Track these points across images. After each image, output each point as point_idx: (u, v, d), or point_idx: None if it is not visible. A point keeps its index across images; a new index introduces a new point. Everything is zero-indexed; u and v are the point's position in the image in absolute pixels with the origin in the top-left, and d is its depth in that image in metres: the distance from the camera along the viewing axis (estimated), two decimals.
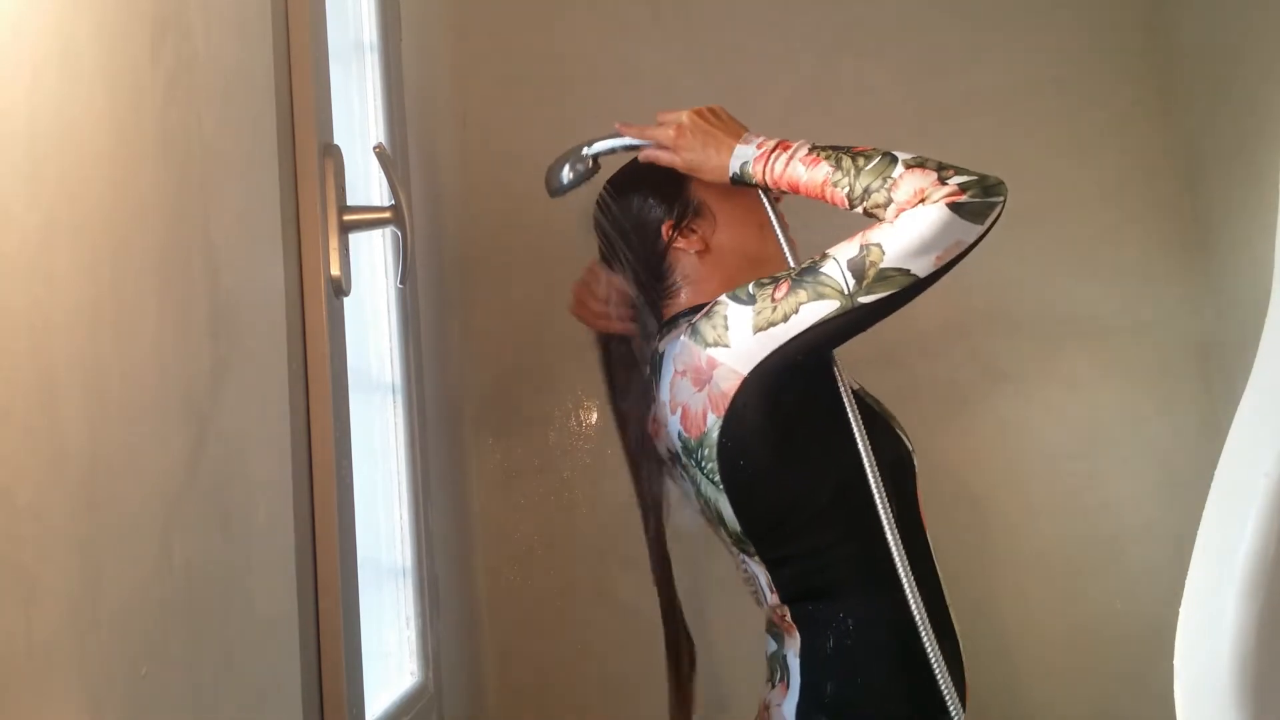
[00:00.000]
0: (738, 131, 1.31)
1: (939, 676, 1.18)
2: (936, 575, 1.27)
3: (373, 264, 1.44)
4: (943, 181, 1.17)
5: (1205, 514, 0.85)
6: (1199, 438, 1.82)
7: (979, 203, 1.16)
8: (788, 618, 1.29)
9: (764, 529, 1.29)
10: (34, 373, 0.62)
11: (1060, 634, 1.84)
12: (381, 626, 1.36)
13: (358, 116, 1.42)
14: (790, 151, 1.25)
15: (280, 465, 0.98)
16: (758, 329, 1.20)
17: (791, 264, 1.29)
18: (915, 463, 1.33)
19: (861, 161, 1.21)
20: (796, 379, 1.23)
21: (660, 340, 1.35)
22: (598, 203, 1.42)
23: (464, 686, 1.75)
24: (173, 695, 0.75)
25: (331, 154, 1.11)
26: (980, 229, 1.17)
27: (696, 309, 1.31)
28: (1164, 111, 1.90)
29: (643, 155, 1.37)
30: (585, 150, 1.41)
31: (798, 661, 1.27)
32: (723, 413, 1.24)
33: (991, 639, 1.84)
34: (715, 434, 1.25)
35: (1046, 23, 1.95)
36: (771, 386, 1.22)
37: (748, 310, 1.22)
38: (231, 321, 0.90)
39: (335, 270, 1.10)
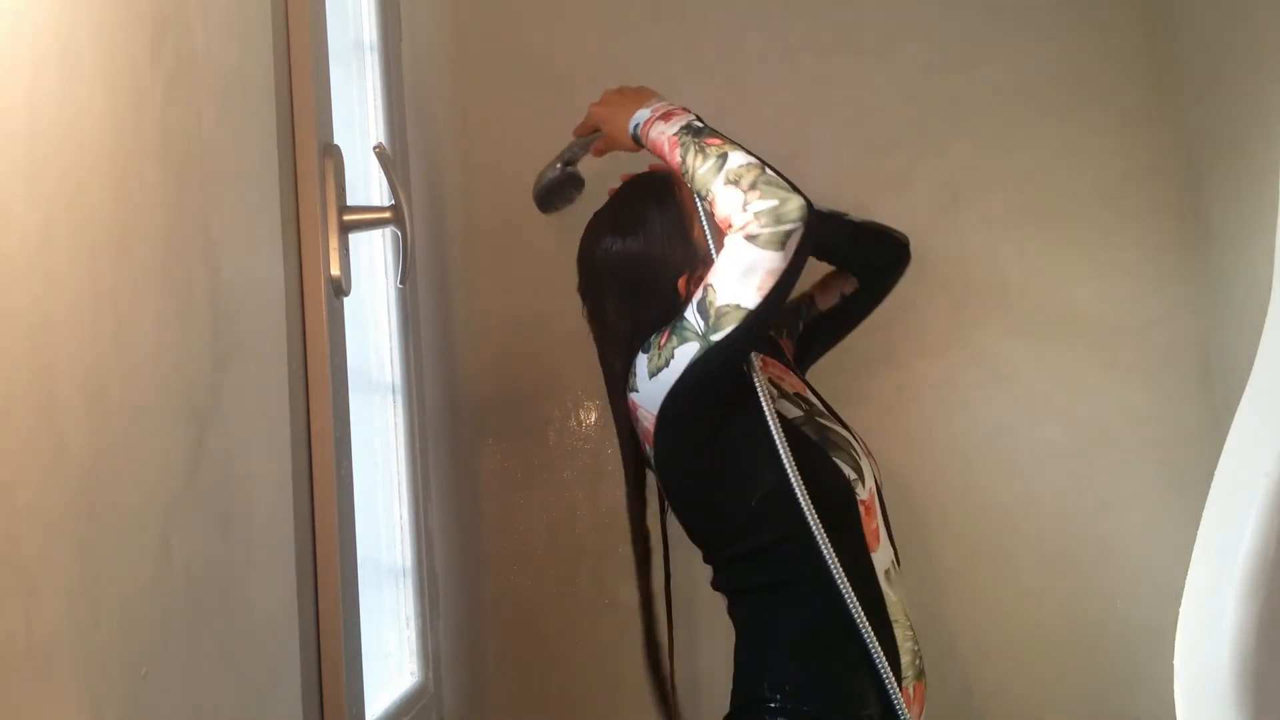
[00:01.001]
0: (645, 98, 1.39)
1: (881, 673, 1.23)
2: (880, 594, 1.29)
3: (373, 264, 1.44)
4: (744, 208, 1.21)
5: (1205, 514, 0.85)
6: (1199, 438, 1.82)
7: (769, 233, 1.19)
8: (727, 610, 1.37)
9: (699, 539, 1.39)
10: (34, 373, 0.62)
11: (1060, 634, 1.84)
12: (381, 626, 1.36)
13: (358, 116, 1.42)
14: (667, 124, 1.33)
15: (280, 465, 0.98)
16: (652, 374, 1.28)
17: (714, 255, 1.32)
18: (859, 490, 1.31)
19: (699, 161, 1.27)
20: (708, 416, 1.29)
21: None
22: (599, 253, 1.41)
23: (464, 686, 1.75)
24: (173, 695, 0.75)
25: (331, 154, 1.11)
26: (782, 255, 1.19)
27: None
28: (1164, 111, 1.90)
29: (594, 148, 1.49)
30: (558, 166, 1.52)
31: (736, 656, 1.34)
32: (652, 445, 1.33)
33: (991, 638, 1.84)
34: (654, 462, 1.36)
35: (1046, 23, 1.95)
36: (674, 423, 1.29)
37: (644, 358, 1.29)
38: (232, 321, 0.90)
39: (335, 270, 1.10)
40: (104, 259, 0.71)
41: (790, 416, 1.32)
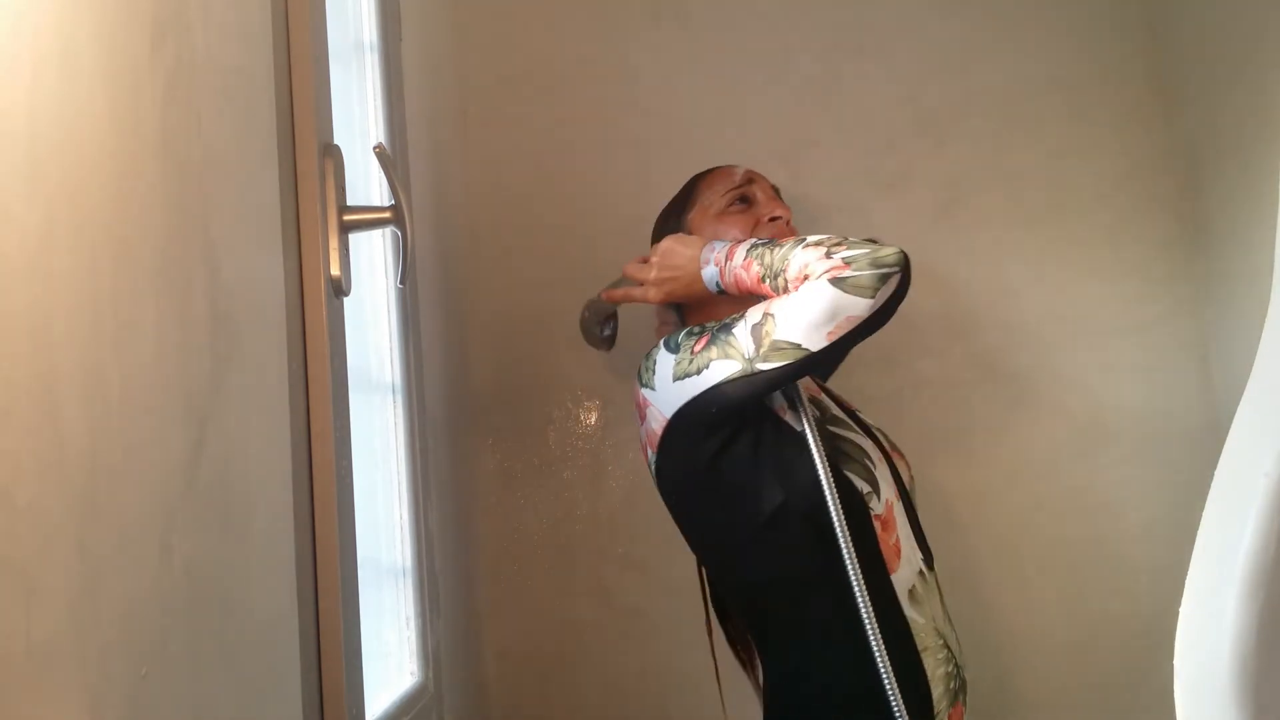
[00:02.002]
0: (694, 258, 1.35)
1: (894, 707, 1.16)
2: (903, 617, 1.21)
3: (373, 264, 1.44)
4: (829, 256, 1.17)
5: (1205, 514, 0.85)
6: (1199, 437, 1.82)
7: (864, 275, 1.15)
8: (751, 640, 1.33)
9: (702, 555, 1.37)
10: (34, 373, 0.62)
11: (1060, 634, 1.84)
12: (381, 626, 1.36)
13: (358, 116, 1.42)
14: (733, 260, 1.30)
15: (280, 465, 0.98)
16: (676, 378, 1.24)
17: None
18: (874, 504, 1.25)
19: (775, 250, 1.25)
20: (718, 420, 1.24)
21: None
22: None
23: (464, 686, 1.75)
24: (173, 695, 0.75)
25: (331, 154, 1.11)
26: (868, 303, 1.14)
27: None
28: (1164, 111, 1.90)
29: (619, 296, 1.47)
30: (592, 302, 1.53)
31: (764, 685, 1.30)
32: (656, 449, 1.30)
33: (991, 638, 1.84)
34: (654, 467, 1.33)
35: (1046, 23, 1.95)
36: (691, 431, 1.25)
37: (671, 358, 1.26)
38: (231, 321, 0.90)
39: (335, 270, 1.10)
40: (104, 259, 0.71)
41: (797, 429, 1.25)
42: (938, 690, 1.20)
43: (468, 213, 1.97)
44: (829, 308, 1.15)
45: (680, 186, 1.52)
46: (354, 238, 1.16)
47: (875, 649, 1.16)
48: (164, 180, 0.80)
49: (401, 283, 1.35)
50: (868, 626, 1.16)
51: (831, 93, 1.95)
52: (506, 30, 2.01)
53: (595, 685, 1.87)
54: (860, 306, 1.14)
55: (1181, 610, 0.84)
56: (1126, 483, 1.85)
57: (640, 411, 1.31)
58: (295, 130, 1.07)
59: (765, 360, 1.18)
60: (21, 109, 0.63)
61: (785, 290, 1.21)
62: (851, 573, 1.17)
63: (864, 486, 1.24)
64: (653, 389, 1.27)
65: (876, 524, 1.23)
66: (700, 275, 1.33)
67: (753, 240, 1.29)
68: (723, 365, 1.20)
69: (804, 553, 1.21)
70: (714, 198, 1.43)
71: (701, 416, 1.23)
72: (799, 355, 1.17)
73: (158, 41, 0.80)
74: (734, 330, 1.21)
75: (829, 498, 1.20)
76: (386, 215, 1.19)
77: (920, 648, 1.20)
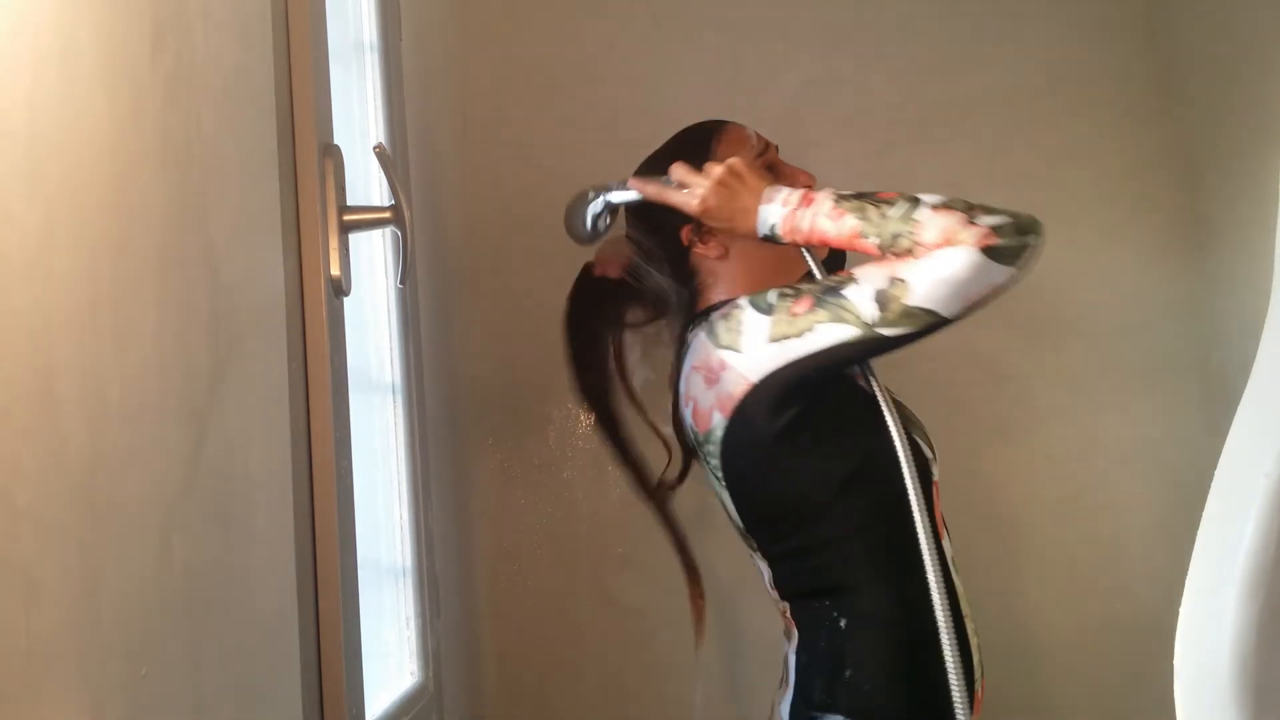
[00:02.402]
0: (759, 189, 1.26)
1: (953, 680, 1.17)
2: (953, 583, 1.24)
3: (373, 264, 1.44)
4: (972, 222, 1.13)
5: (1205, 514, 0.85)
6: (1199, 437, 1.82)
7: (1012, 244, 1.13)
8: (788, 613, 1.30)
9: (764, 525, 1.30)
10: (34, 373, 0.62)
11: (1060, 633, 1.84)
12: (381, 626, 1.36)
13: (358, 116, 1.42)
14: (814, 206, 1.23)
15: (280, 465, 0.98)
16: (773, 339, 1.20)
17: (818, 277, 1.26)
18: (935, 471, 1.29)
19: (885, 208, 1.18)
20: (809, 383, 1.22)
21: (689, 333, 1.35)
22: (626, 206, 1.41)
23: (464, 686, 1.75)
24: (173, 695, 0.75)
25: (331, 154, 1.11)
26: (1012, 271, 1.13)
27: (720, 305, 1.31)
28: (1164, 111, 1.90)
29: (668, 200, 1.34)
30: (605, 197, 1.38)
31: (794, 660, 1.28)
32: (729, 414, 1.24)
33: (990, 638, 1.84)
34: (720, 433, 1.26)
35: (1046, 23, 1.95)
36: (780, 394, 1.22)
37: (765, 320, 1.21)
38: (231, 321, 0.90)
39: (335, 270, 1.10)
40: (104, 259, 0.71)
41: (869, 392, 1.26)
42: (975, 657, 1.25)
43: (468, 212, 1.97)
44: (977, 276, 1.12)
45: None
46: (354, 238, 1.16)
47: (937, 600, 1.18)
48: (164, 180, 0.80)
49: (401, 283, 1.35)
50: (931, 577, 1.18)
51: (831, 93, 1.95)
52: (506, 31, 2.01)
53: (595, 685, 1.87)
54: (1005, 275, 1.13)
55: (1181, 610, 0.84)
56: (1126, 483, 1.85)
57: (708, 375, 1.26)
58: (295, 130, 1.06)
59: (890, 326, 1.15)
60: (22, 109, 0.63)
61: (909, 253, 1.15)
62: (921, 531, 1.19)
63: (928, 451, 1.28)
64: (737, 350, 1.22)
65: (934, 489, 1.27)
66: (754, 210, 1.25)
67: (836, 190, 1.23)
68: (834, 329, 1.17)
69: (874, 510, 1.22)
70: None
71: (797, 379, 1.20)
72: (930, 320, 1.15)
73: (158, 41, 0.80)
74: (844, 293, 1.17)
75: (903, 459, 1.21)
76: (386, 215, 1.19)
77: (965, 613, 1.24)
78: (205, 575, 0.82)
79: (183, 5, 0.85)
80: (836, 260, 1.36)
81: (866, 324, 1.16)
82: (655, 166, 1.39)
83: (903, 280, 1.15)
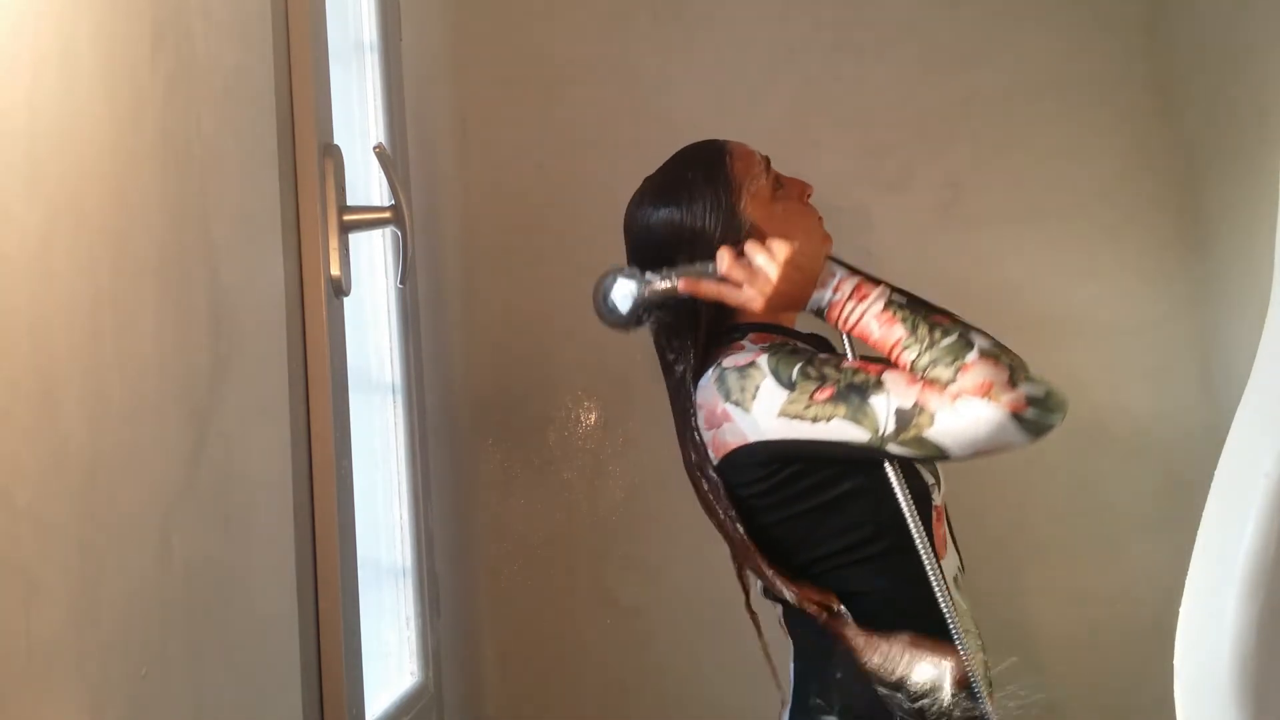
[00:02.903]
0: (814, 274, 1.24)
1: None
2: (954, 601, 1.24)
3: (373, 264, 1.44)
4: (1013, 384, 1.14)
5: (1205, 514, 0.85)
6: (1199, 438, 1.82)
7: (1040, 419, 1.14)
8: (782, 620, 1.31)
9: (756, 548, 1.31)
10: (34, 373, 0.62)
11: (1060, 634, 1.84)
12: (381, 626, 1.36)
13: (358, 116, 1.42)
14: (866, 303, 1.21)
15: (280, 465, 0.98)
16: (784, 414, 1.20)
17: (850, 356, 1.26)
18: (937, 496, 1.28)
19: (938, 335, 1.18)
20: (802, 455, 1.22)
21: (711, 358, 1.32)
22: (641, 219, 1.36)
23: (464, 686, 1.75)
24: (173, 695, 0.75)
25: (331, 154, 1.11)
26: (1030, 441, 1.14)
27: (741, 329, 1.30)
28: (1164, 111, 1.90)
29: (703, 289, 1.28)
30: (651, 287, 1.29)
31: (792, 669, 1.29)
32: (720, 456, 1.26)
33: (990, 639, 1.84)
34: (711, 465, 1.28)
35: (1046, 23, 1.95)
36: (774, 455, 1.23)
37: (783, 393, 1.20)
38: (231, 321, 0.90)
39: (335, 270, 1.10)
40: (104, 259, 0.71)
41: None
42: (979, 671, 1.24)
43: (468, 212, 1.97)
44: (998, 435, 1.14)
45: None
46: (354, 238, 1.16)
47: (940, 595, 1.20)
48: (164, 180, 0.80)
49: (401, 283, 1.35)
50: (929, 570, 1.21)
51: (831, 93, 1.95)
52: (506, 30, 2.01)
53: (595, 685, 1.87)
54: (1021, 442, 1.14)
55: (1181, 610, 0.84)
56: (1127, 483, 1.85)
57: (710, 418, 1.26)
58: (295, 130, 1.07)
59: (899, 445, 1.16)
60: (22, 109, 0.63)
61: (943, 386, 1.15)
62: (917, 539, 1.21)
63: (929, 477, 1.27)
64: (745, 410, 1.22)
65: (934, 513, 1.27)
66: (811, 295, 1.24)
67: (889, 291, 1.22)
68: (847, 428, 1.17)
69: (865, 538, 1.23)
70: (757, 181, 1.34)
71: (794, 451, 1.21)
72: (936, 454, 1.16)
73: (158, 42, 0.80)
74: (870, 399, 1.16)
75: (897, 489, 1.22)
76: (386, 215, 1.19)
77: (964, 629, 1.24)
78: (205, 575, 0.82)
79: (183, 5, 0.85)
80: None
81: (879, 435, 1.16)
82: (668, 195, 1.35)
83: (931, 412, 1.15)
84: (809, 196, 1.39)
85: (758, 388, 1.22)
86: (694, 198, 1.33)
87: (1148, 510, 1.84)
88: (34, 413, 0.62)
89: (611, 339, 1.91)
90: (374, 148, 1.26)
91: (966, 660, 1.21)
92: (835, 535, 1.24)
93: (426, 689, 1.40)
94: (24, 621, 0.59)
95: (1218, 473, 0.86)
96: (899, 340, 1.19)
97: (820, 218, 1.39)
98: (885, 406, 1.16)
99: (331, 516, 1.04)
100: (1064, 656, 1.83)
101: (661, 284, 1.29)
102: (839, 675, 1.22)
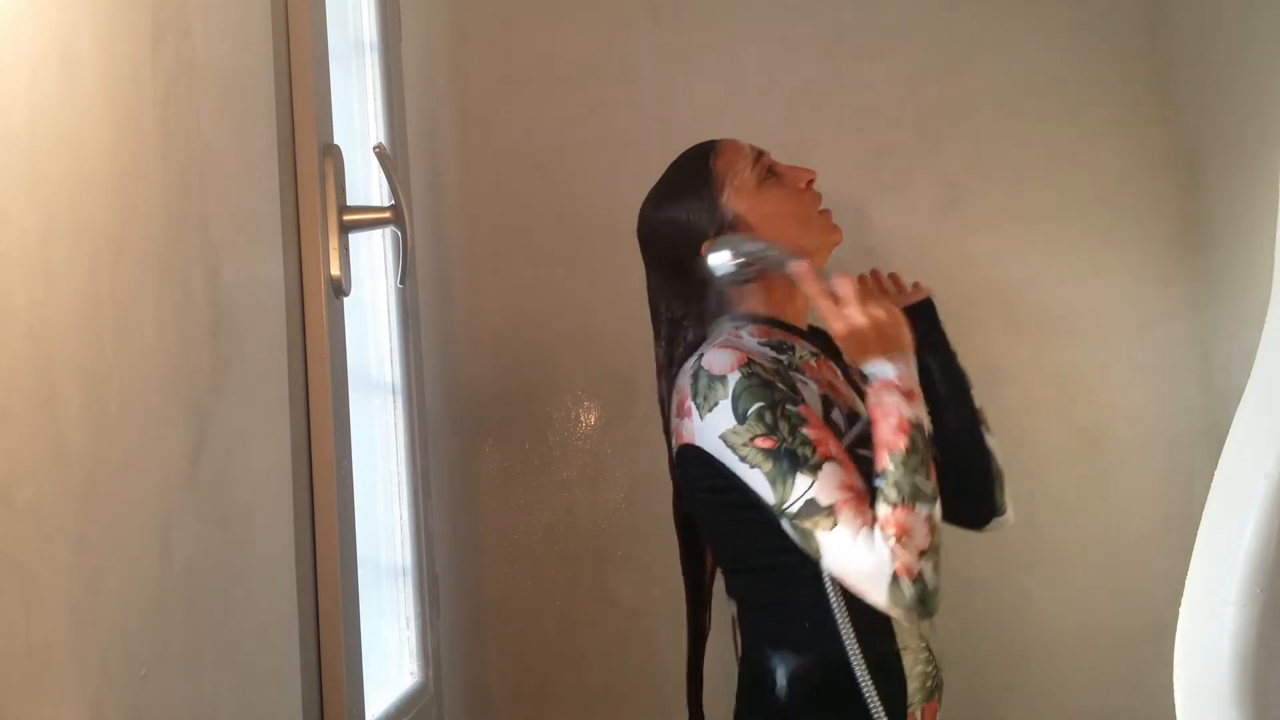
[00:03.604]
0: (893, 345, 1.24)
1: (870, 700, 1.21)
2: (889, 628, 1.25)
3: (373, 264, 1.44)
4: (922, 556, 1.14)
5: (1205, 514, 0.85)
6: (1199, 438, 1.82)
7: (912, 596, 1.14)
8: (734, 619, 1.33)
9: (710, 539, 1.37)
10: (34, 372, 0.62)
11: (1060, 634, 1.84)
12: (381, 626, 1.36)
13: (358, 116, 1.42)
14: (902, 408, 1.21)
15: (280, 465, 0.98)
16: (724, 439, 1.22)
17: (842, 432, 1.27)
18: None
19: (916, 480, 1.17)
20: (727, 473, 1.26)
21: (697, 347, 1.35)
22: (641, 220, 1.41)
23: (464, 686, 1.75)
24: (173, 695, 0.75)
25: (331, 154, 1.11)
26: (885, 604, 1.15)
27: (742, 318, 1.34)
28: (1164, 111, 1.90)
29: (800, 274, 1.29)
30: (764, 254, 1.31)
31: (739, 677, 1.31)
32: (679, 444, 1.30)
33: (990, 638, 1.84)
34: (674, 455, 1.32)
35: (1046, 23, 1.95)
36: (709, 468, 1.26)
37: (730, 421, 1.22)
38: (231, 321, 0.90)
39: (335, 270, 1.10)
40: (104, 259, 0.71)
41: None
42: (913, 685, 1.25)
43: (467, 213, 1.97)
44: (868, 581, 1.15)
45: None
46: (354, 238, 1.16)
47: (847, 640, 1.22)
48: (164, 180, 0.80)
49: (401, 283, 1.35)
50: (839, 619, 1.22)
51: (831, 93, 1.95)
52: (506, 30, 2.01)
53: (595, 685, 1.87)
54: (880, 599, 1.15)
55: (1181, 610, 0.84)
56: (1126, 483, 1.85)
57: (679, 405, 1.29)
58: (295, 130, 1.07)
59: (793, 527, 1.18)
60: (21, 109, 0.63)
61: (872, 507, 1.17)
62: (831, 592, 1.22)
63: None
64: (699, 418, 1.25)
65: None
66: (877, 358, 1.24)
67: (916, 414, 1.21)
68: (763, 485, 1.20)
69: (794, 549, 1.23)
70: (741, 174, 1.37)
71: (721, 474, 1.24)
72: (814, 554, 1.18)
73: (158, 42, 0.80)
74: (797, 474, 1.18)
75: None
76: (386, 215, 1.19)
77: (901, 646, 1.25)
78: (205, 575, 0.82)
79: (183, 5, 0.85)
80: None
81: (781, 507, 1.18)
82: (660, 194, 1.40)
83: (835, 519, 1.16)
84: (809, 184, 1.39)
85: (716, 403, 1.24)
86: (680, 195, 1.37)
87: (1148, 510, 1.84)
88: (34, 412, 0.62)
89: (611, 339, 1.91)
90: (374, 148, 1.26)
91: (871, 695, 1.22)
92: (770, 551, 1.24)
93: (426, 689, 1.40)
94: (24, 621, 0.59)
95: (1218, 473, 0.85)
96: (884, 461, 1.18)
97: (825, 209, 1.39)
98: (803, 489, 1.17)
99: (331, 516, 1.04)
100: (1065, 656, 1.83)
101: (775, 256, 1.30)
102: (782, 683, 1.25)
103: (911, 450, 1.18)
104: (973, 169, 1.92)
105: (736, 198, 1.36)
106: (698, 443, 1.25)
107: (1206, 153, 1.82)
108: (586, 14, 2.00)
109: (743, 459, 1.21)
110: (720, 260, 1.31)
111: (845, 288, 1.25)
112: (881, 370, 1.23)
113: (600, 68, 1.99)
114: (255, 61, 1.01)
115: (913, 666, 1.26)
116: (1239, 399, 0.86)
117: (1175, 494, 1.82)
